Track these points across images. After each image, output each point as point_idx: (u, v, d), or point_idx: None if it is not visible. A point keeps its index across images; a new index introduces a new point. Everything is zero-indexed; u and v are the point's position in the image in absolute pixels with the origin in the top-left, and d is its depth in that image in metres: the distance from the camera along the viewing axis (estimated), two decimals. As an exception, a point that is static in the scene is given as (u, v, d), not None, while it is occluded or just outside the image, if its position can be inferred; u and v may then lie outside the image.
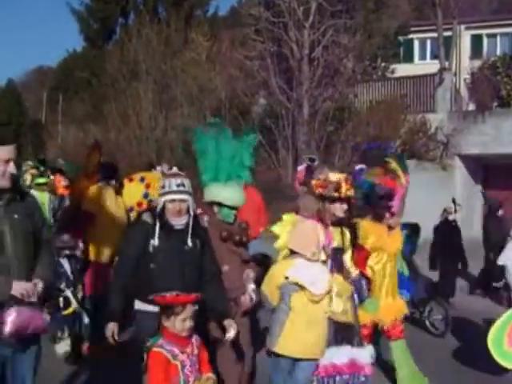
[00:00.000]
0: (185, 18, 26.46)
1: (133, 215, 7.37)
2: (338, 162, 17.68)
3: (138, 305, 4.47)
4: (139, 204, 7.39)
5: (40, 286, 3.72)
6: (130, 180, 7.65)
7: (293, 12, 18.59)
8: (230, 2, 57.09)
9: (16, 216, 3.70)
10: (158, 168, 12.62)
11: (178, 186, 4.42)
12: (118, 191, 7.27)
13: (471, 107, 19.80)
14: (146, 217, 4.54)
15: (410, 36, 26.05)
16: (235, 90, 20.05)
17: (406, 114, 18.45)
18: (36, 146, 38.92)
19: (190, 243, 4.45)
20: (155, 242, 4.38)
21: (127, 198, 7.45)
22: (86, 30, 33.59)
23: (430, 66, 22.68)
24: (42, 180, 11.67)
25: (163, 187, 4.45)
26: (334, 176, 5.59)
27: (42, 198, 11.14)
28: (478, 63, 21.93)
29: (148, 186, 7.42)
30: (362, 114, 18.92)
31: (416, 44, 26.59)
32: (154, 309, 4.06)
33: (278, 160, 18.61)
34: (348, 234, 5.73)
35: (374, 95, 20.29)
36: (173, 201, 4.39)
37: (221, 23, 28.82)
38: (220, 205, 5.19)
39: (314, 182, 5.73)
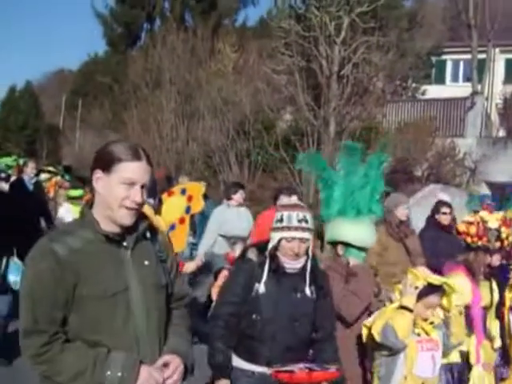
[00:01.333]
0: (212, 27, 26.99)
1: (174, 233, 6.71)
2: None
3: (236, 361, 3.85)
4: (181, 220, 6.95)
5: (178, 367, 2.72)
6: (170, 194, 7.18)
7: (324, 27, 18.81)
8: (259, 13, 57.80)
9: (146, 263, 2.72)
10: (181, 179, 12.66)
11: (300, 221, 3.72)
12: (158, 210, 6.46)
13: (501, 133, 20.01)
14: (252, 254, 3.88)
15: (443, 57, 26.30)
16: (260, 104, 20.29)
17: (435, 137, 18.68)
18: (51, 151, 39.64)
19: (307, 291, 3.81)
20: (261, 287, 3.72)
21: (167, 214, 6.80)
22: (110, 34, 34.17)
23: (462, 89, 22.95)
24: (76, 193, 11.11)
25: (280, 220, 3.77)
26: (493, 221, 5.03)
27: (77, 214, 11.18)
28: (511, 88, 22.17)
29: (190, 199, 7.01)
30: (389, 135, 19.19)
31: (449, 65, 26.83)
32: (253, 367, 3.76)
33: (301, 178, 18.87)
34: (497, 290, 5.19)
35: (403, 116, 20.57)
36: (292, 239, 3.71)
37: (249, 34, 29.25)
38: (347, 245, 4.56)
39: (465, 228, 5.32)
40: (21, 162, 14.32)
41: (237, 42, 24.12)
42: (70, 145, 35.00)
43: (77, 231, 2.66)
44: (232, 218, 8.52)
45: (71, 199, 10.83)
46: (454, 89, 24.04)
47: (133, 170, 2.64)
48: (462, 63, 26.80)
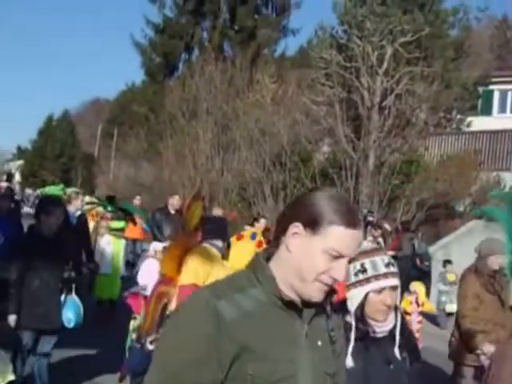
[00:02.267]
0: (251, 57, 27.22)
1: None
2: (400, 217, 17.74)
3: None
4: None
5: None
6: (239, 237, 6.82)
7: (366, 57, 18.84)
8: (299, 42, 58.26)
9: (319, 343, 2.20)
10: (262, 221, 12.23)
11: (387, 265, 3.14)
12: (225, 255, 5.93)
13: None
14: None
15: (491, 87, 26.00)
16: (298, 135, 20.33)
17: (479, 170, 18.43)
18: (86, 180, 40.33)
19: (399, 358, 3.17)
20: (348, 360, 2.96)
21: (235, 260, 6.09)
22: (148, 64, 34.64)
23: (510, 120, 22.64)
24: (119, 224, 10.89)
25: (363, 271, 3.14)
26: None
27: (118, 246, 10.78)
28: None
29: (260, 245, 6.60)
30: (431, 169, 18.99)
31: (496, 96, 26.49)
32: None
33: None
34: None
35: (446, 149, 20.33)
36: (382, 290, 3.09)
37: (288, 64, 29.43)
38: None
39: None
40: (69, 191, 14.34)
41: (276, 72, 24.28)
42: (105, 174, 35.48)
43: (247, 288, 2.09)
44: None
45: (113, 231, 10.69)
46: (501, 120, 23.67)
47: (345, 240, 2.05)
48: (510, 93, 26.46)
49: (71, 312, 6.53)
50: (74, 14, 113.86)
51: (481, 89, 25.26)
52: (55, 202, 6.97)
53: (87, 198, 14.36)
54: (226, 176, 22.99)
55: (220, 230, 5.80)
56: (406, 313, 9.81)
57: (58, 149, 47.20)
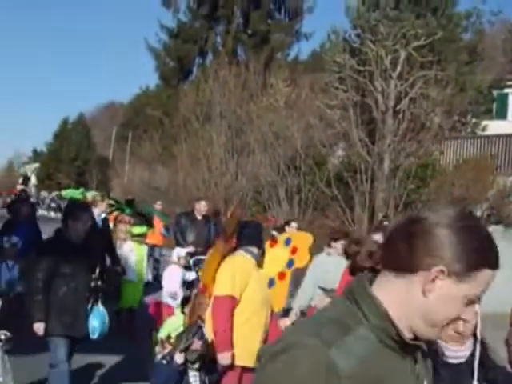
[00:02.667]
0: (265, 61, 27.18)
1: (273, 291, 5.68)
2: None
3: None
4: (281, 276, 5.93)
5: None
6: (273, 243, 6.16)
7: (380, 61, 18.70)
8: (312, 46, 58.09)
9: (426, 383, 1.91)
10: (294, 224, 11.53)
11: None
12: (259, 262, 5.43)
13: None
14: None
15: (505, 90, 25.77)
16: (312, 139, 20.23)
17: (496, 175, 18.24)
18: (101, 183, 40.37)
19: None
20: None
21: (269, 268, 5.69)
22: (162, 68, 34.74)
23: (525, 124, 22.42)
24: (140, 229, 10.53)
25: None
26: None
27: (140, 252, 10.33)
28: None
29: (294, 251, 5.98)
30: (446, 173, 18.82)
31: (511, 99, 26.27)
32: None
33: (353, 217, 18.62)
34: None
35: (462, 153, 20.14)
36: None
37: (301, 68, 29.34)
38: None
39: None
40: (89, 195, 14.01)
41: (289, 76, 24.19)
42: (119, 177, 35.49)
43: (354, 327, 1.69)
44: (333, 269, 7.54)
45: (134, 237, 10.30)
46: (516, 124, 23.45)
47: (489, 283, 1.71)
48: (524, 97, 26.22)
49: (97, 322, 6.23)
50: (91, 19, 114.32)
51: (495, 92, 25.03)
52: (82, 207, 6.80)
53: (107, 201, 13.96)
54: (241, 179, 22.94)
55: (255, 236, 5.39)
56: None
57: (73, 152, 47.31)
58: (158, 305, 7.18)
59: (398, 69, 18.71)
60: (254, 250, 5.30)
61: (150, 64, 47.95)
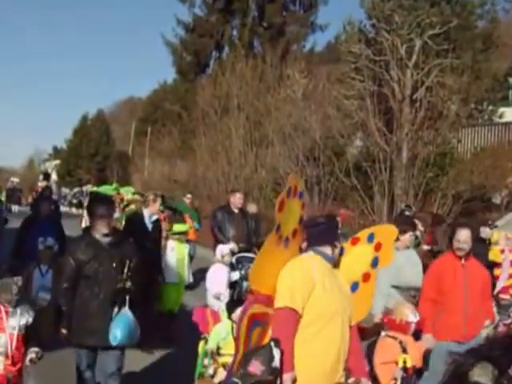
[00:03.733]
0: (281, 53, 27.14)
1: (357, 295, 4.84)
2: (437, 211, 17.49)
3: None
4: (366, 277, 4.95)
5: None
6: (354, 241, 5.06)
7: (395, 50, 18.61)
8: (327, 37, 57.84)
9: None
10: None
11: None
12: (337, 263, 4.61)
13: None
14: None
15: (521, 77, 25.59)
16: (330, 129, 20.18)
17: (514, 162, 18.09)
18: (121, 178, 40.49)
19: None
20: None
21: (350, 270, 4.89)
22: (179, 63, 34.70)
23: (542, 111, 22.21)
24: (182, 227, 9.87)
25: None
26: None
27: (182, 252, 9.71)
28: None
29: (378, 248, 5.00)
30: (465, 161, 18.71)
31: (527, 86, 26.04)
32: None
33: (372, 206, 18.56)
34: None
35: (480, 141, 19.99)
36: None
37: (317, 59, 29.25)
38: None
39: None
40: (123, 191, 13.53)
41: (305, 67, 24.07)
42: (139, 172, 35.60)
43: None
44: (405, 263, 7.08)
45: (175, 235, 9.58)
46: (533, 110, 23.23)
47: None
48: (541, 83, 25.97)
49: (119, 328, 5.67)
50: (108, 15, 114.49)
51: (511, 79, 24.85)
52: (102, 203, 6.24)
53: (129, 196, 13.52)
54: (260, 171, 22.93)
55: (328, 233, 4.50)
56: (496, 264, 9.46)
57: (92, 148, 47.46)
58: (204, 312, 6.59)
59: (414, 58, 18.58)
60: (327, 250, 4.44)
61: (167, 59, 47.96)
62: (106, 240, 5.80)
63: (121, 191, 12.32)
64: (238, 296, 8.52)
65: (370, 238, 5.08)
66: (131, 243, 6.16)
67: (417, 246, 14.10)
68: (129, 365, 7.20)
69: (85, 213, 20.19)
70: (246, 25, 31.46)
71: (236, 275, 8.60)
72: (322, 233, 4.51)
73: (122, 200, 12.08)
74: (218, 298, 8.38)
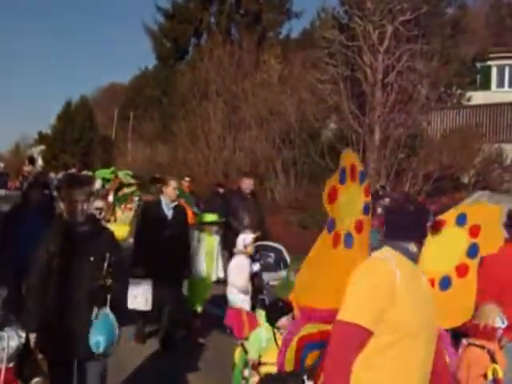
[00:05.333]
0: (257, 40, 26.93)
1: (450, 293, 3.78)
2: (408, 190, 17.57)
3: None
4: (461, 270, 3.76)
5: None
6: (439, 225, 3.65)
7: (368, 36, 18.55)
8: (303, 24, 57.58)
9: None
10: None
11: None
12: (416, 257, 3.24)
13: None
14: None
15: (488, 62, 25.64)
16: (305, 113, 20.13)
17: (482, 143, 18.20)
18: (105, 162, 40.16)
19: None
20: None
21: (434, 262, 3.67)
22: (159, 49, 34.38)
23: (508, 94, 22.31)
24: (211, 217, 8.63)
25: None
26: None
27: (211, 243, 8.48)
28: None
29: (475, 232, 3.78)
30: (434, 142, 18.76)
31: (494, 71, 26.10)
32: None
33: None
34: None
35: (448, 123, 20.05)
36: None
37: (293, 45, 29.11)
38: None
39: None
40: (121, 174, 12.53)
41: (281, 53, 24.00)
42: (123, 156, 35.31)
43: None
44: None
45: (204, 225, 8.42)
46: (500, 94, 23.35)
47: None
48: (507, 68, 26.05)
49: (102, 333, 4.50)
50: (91, 1, 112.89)
51: (479, 64, 24.91)
52: (74, 182, 4.85)
53: (128, 179, 11.94)
54: (238, 154, 22.85)
55: (417, 228, 3.25)
56: None
57: (77, 133, 46.96)
58: (239, 314, 5.63)
59: (386, 43, 18.56)
60: (412, 247, 3.19)
61: (147, 45, 47.48)
62: (83, 229, 4.59)
63: (119, 175, 11.37)
64: (257, 288, 8.22)
65: (461, 219, 3.79)
66: (112, 233, 5.00)
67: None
68: (149, 370, 6.67)
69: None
70: (224, 12, 31.16)
71: (256, 266, 8.23)
72: (408, 225, 3.21)
73: (120, 184, 11.13)
74: (244, 292, 7.87)
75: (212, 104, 24.01)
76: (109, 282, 4.57)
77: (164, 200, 7.78)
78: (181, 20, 32.86)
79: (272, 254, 8.82)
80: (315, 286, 3.38)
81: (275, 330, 5.19)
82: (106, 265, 4.58)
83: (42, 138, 59.00)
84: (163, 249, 7.29)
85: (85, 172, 28.04)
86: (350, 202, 3.38)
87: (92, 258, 4.52)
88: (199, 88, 24.96)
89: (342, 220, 3.36)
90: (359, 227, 3.41)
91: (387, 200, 13.65)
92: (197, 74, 25.18)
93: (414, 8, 18.89)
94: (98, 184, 20.61)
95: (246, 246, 8.08)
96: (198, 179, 22.18)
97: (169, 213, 7.76)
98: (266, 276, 8.48)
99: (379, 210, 13.58)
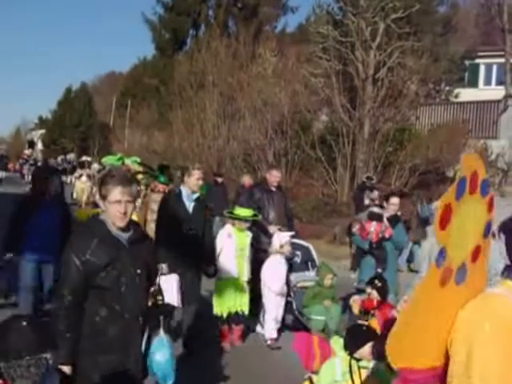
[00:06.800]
0: (254, 33, 26.89)
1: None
2: (394, 182, 17.66)
3: None
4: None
5: None
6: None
7: (360, 32, 18.56)
8: (298, 19, 57.37)
9: None
10: None
11: None
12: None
13: (534, 136, 19.40)
14: None
15: (476, 61, 25.66)
16: (298, 105, 20.14)
17: (467, 138, 18.27)
18: (102, 147, 40.11)
19: None
20: None
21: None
22: (158, 40, 34.38)
23: (495, 92, 22.30)
24: (245, 212, 7.43)
25: None
26: None
27: (242, 241, 7.32)
28: (543, 92, 21.45)
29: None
30: (422, 137, 18.82)
31: (482, 69, 26.14)
32: None
33: (335, 177, 18.65)
34: None
35: (436, 118, 20.09)
36: None
37: (288, 40, 29.07)
38: None
39: None
40: (128, 161, 11.17)
41: (276, 47, 23.94)
42: (120, 142, 35.24)
43: None
44: None
45: (236, 220, 7.27)
46: (486, 92, 23.37)
47: None
48: (494, 67, 26.05)
49: (158, 364, 3.56)
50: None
51: (467, 62, 24.94)
52: (125, 181, 3.58)
53: (136, 167, 10.87)
54: (232, 143, 22.84)
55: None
56: None
57: (76, 118, 46.88)
58: (308, 336, 4.60)
59: (378, 40, 18.58)
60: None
61: (147, 36, 47.29)
62: (125, 236, 3.56)
63: (126, 162, 10.39)
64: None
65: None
66: (151, 240, 4.16)
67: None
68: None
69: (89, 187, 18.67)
70: (222, 5, 31.13)
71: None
72: None
73: (128, 172, 10.29)
74: (280, 295, 7.30)
75: (208, 94, 23.97)
76: (160, 299, 3.61)
77: (185, 191, 6.80)
78: (180, 12, 32.82)
79: (299, 253, 8.35)
80: (412, 342, 2.27)
81: (353, 362, 4.06)
82: (157, 280, 3.66)
83: (42, 123, 58.82)
84: (184, 245, 6.42)
85: (84, 157, 28.09)
86: (467, 222, 2.29)
87: (139, 271, 3.54)
88: (196, 78, 24.90)
89: (457, 248, 2.26)
90: (476, 255, 2.35)
91: (376, 193, 13.76)
92: (194, 64, 25.11)
93: (406, 6, 18.90)
94: (95, 169, 20.60)
95: (281, 246, 7.31)
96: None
97: (190, 205, 6.80)
98: (292, 276, 7.94)
99: (367, 201, 13.70)
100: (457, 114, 19.83)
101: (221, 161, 22.31)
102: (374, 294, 6.40)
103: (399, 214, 8.58)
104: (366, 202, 13.63)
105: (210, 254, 6.90)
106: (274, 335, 7.39)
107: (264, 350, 7.20)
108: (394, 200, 8.07)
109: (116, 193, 3.48)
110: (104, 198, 3.52)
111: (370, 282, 6.56)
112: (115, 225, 3.51)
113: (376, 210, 8.03)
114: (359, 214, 13.88)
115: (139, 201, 8.69)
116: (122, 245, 3.52)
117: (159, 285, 3.66)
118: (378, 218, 7.65)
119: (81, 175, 20.83)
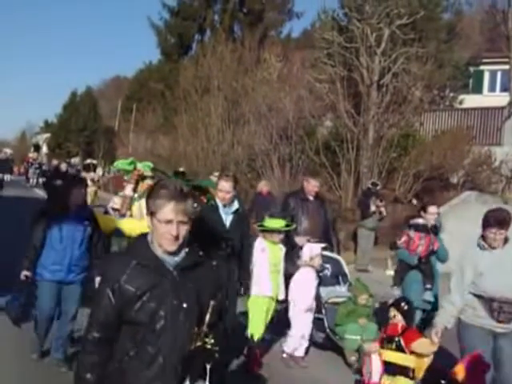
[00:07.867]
0: (259, 38, 26.92)
1: None
2: (398, 188, 17.65)
3: None
4: None
5: None
6: None
7: (365, 38, 18.56)
8: (303, 25, 57.49)
9: None
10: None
11: None
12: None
13: (538, 142, 19.38)
14: None
15: (481, 67, 25.67)
16: (303, 110, 20.14)
17: (471, 145, 18.26)
18: (107, 151, 40.19)
19: None
20: None
21: None
22: (164, 44, 34.43)
23: (499, 99, 22.29)
24: (278, 223, 6.72)
25: None
26: None
27: (276, 255, 6.71)
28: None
29: None
30: (426, 143, 18.81)
31: (486, 75, 26.13)
32: None
33: (339, 182, 18.64)
34: None
35: (440, 125, 20.08)
36: None
37: (293, 45, 29.11)
38: None
39: None
40: (140, 165, 10.79)
41: (281, 52, 23.98)
42: (124, 146, 35.28)
43: None
44: (486, 269, 5.19)
45: (267, 232, 6.65)
46: (491, 98, 23.35)
47: None
48: (499, 73, 26.04)
49: None
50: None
51: (472, 69, 24.95)
52: (181, 197, 2.87)
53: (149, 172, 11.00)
54: (236, 148, 22.84)
55: None
56: None
57: (81, 122, 47.03)
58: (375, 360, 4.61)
59: (382, 45, 18.57)
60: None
61: (152, 40, 47.30)
62: (173, 260, 2.87)
63: (138, 166, 9.92)
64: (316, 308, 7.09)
65: None
66: (216, 266, 3.20)
67: (379, 220, 14.22)
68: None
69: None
70: (227, 10, 31.17)
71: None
72: None
73: (140, 177, 9.58)
74: (309, 311, 6.87)
75: (213, 98, 23.99)
76: (210, 342, 2.80)
77: (220, 203, 6.29)
78: (185, 17, 32.89)
79: (328, 266, 7.91)
80: None
81: None
82: (208, 317, 2.83)
83: (47, 127, 58.98)
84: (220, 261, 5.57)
85: (89, 160, 28.16)
86: None
87: (185, 305, 2.82)
88: (201, 83, 24.94)
89: None
90: None
91: (382, 203, 13.78)
92: (199, 69, 25.16)
93: (411, 12, 18.92)
94: (99, 172, 20.66)
95: (312, 258, 6.91)
96: (196, 171, 22.23)
97: (227, 219, 6.32)
98: (323, 292, 7.53)
99: (373, 208, 13.71)
100: (461, 121, 19.83)
101: (225, 165, 22.32)
102: (399, 318, 5.82)
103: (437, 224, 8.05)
104: (373, 208, 13.68)
105: (246, 271, 6.45)
106: (301, 353, 6.96)
107: (289, 370, 6.72)
108: (433, 209, 7.63)
109: (167, 210, 2.78)
110: (152, 214, 2.82)
111: (395, 304, 5.98)
112: (162, 247, 2.82)
113: (421, 221, 7.48)
114: (364, 221, 13.94)
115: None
116: (167, 270, 2.83)
117: (214, 324, 2.87)
118: (425, 229, 7.24)
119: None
